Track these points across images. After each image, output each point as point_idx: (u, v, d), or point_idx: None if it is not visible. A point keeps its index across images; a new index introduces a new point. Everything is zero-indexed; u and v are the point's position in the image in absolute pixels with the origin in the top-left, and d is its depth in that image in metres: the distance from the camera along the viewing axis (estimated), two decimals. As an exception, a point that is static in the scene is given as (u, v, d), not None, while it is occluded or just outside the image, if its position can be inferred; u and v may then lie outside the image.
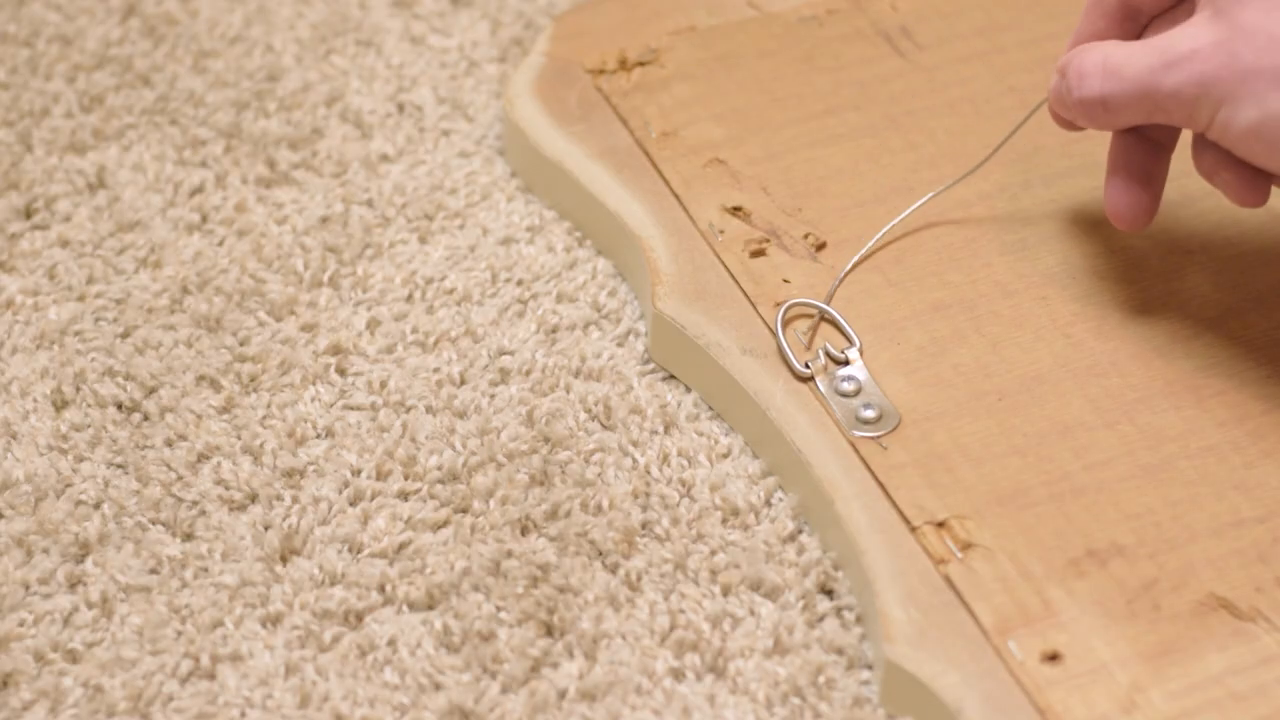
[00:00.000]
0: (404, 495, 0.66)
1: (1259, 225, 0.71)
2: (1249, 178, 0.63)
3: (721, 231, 0.71)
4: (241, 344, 0.71)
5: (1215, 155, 0.63)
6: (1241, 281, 0.69)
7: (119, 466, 0.67)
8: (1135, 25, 0.66)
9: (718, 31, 0.80)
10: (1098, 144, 0.69)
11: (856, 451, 0.64)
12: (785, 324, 0.68)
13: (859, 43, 0.79)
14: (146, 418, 0.68)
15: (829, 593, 0.63)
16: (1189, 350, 0.67)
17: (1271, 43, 0.59)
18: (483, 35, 0.84)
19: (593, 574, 0.63)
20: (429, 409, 0.69)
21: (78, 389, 0.69)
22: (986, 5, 0.81)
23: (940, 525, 0.62)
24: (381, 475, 0.67)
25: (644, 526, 0.65)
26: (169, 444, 0.68)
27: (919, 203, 0.71)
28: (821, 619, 0.62)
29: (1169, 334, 0.67)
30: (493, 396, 0.69)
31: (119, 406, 0.69)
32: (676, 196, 0.73)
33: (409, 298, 0.73)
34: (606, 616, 0.62)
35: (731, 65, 0.78)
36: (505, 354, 0.71)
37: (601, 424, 0.68)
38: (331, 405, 0.69)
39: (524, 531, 0.65)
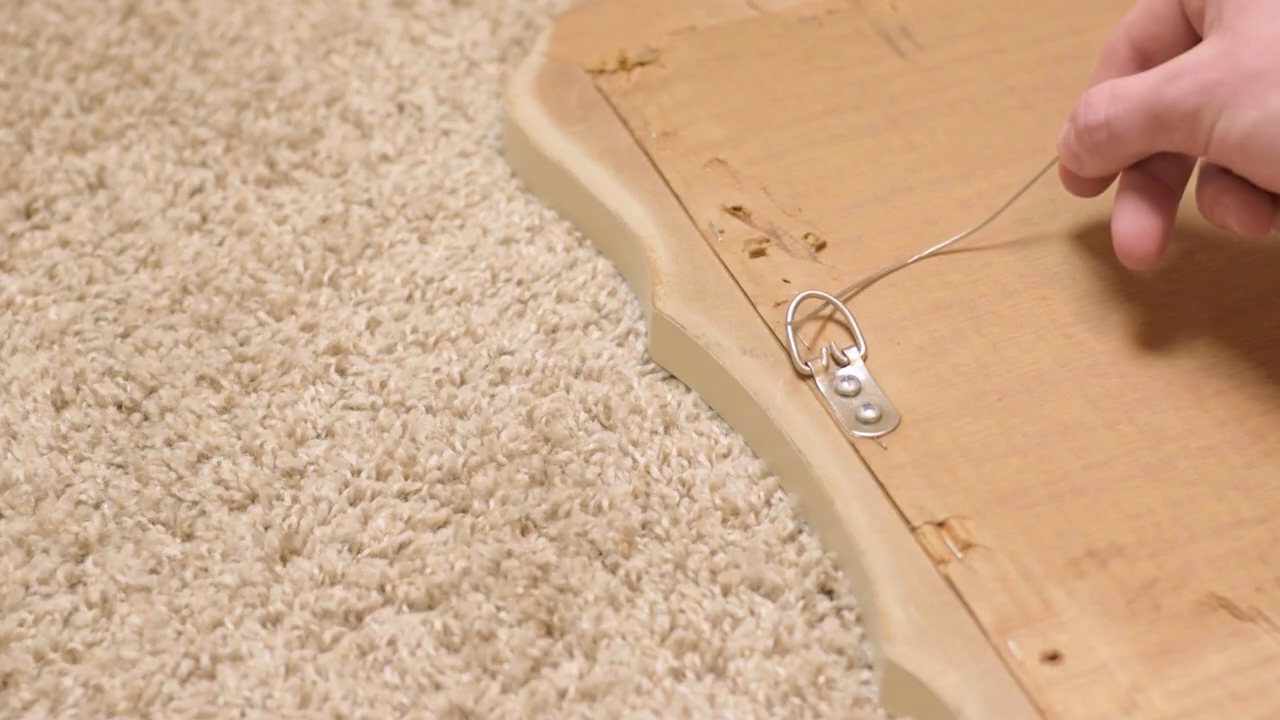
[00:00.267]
0: (404, 495, 0.66)
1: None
2: (1251, 201, 0.62)
3: (721, 231, 0.71)
4: (241, 344, 0.71)
5: (1218, 184, 0.63)
6: (1242, 281, 0.69)
7: (119, 466, 0.67)
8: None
9: (718, 31, 0.80)
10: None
11: (856, 451, 0.64)
12: (795, 319, 0.67)
13: (859, 43, 0.79)
14: (146, 418, 0.68)
15: (829, 593, 0.63)
16: (1189, 350, 0.67)
17: (1273, 44, 0.59)
18: (483, 35, 0.84)
19: (593, 574, 0.63)
20: (429, 409, 0.69)
21: (78, 389, 0.69)
22: (986, 5, 0.81)
23: (940, 525, 0.62)
24: (381, 475, 0.66)
25: (644, 526, 0.65)
26: (169, 444, 0.68)
27: (964, 233, 0.70)
28: (821, 619, 0.62)
29: (1169, 334, 0.67)
30: (493, 396, 0.69)
31: (119, 406, 0.69)
32: (676, 196, 0.73)
33: (409, 298, 0.73)
34: (606, 616, 0.62)
35: (731, 65, 0.78)
36: (505, 354, 0.71)
37: (601, 424, 0.68)
38: (331, 405, 0.69)
39: (524, 531, 0.65)
